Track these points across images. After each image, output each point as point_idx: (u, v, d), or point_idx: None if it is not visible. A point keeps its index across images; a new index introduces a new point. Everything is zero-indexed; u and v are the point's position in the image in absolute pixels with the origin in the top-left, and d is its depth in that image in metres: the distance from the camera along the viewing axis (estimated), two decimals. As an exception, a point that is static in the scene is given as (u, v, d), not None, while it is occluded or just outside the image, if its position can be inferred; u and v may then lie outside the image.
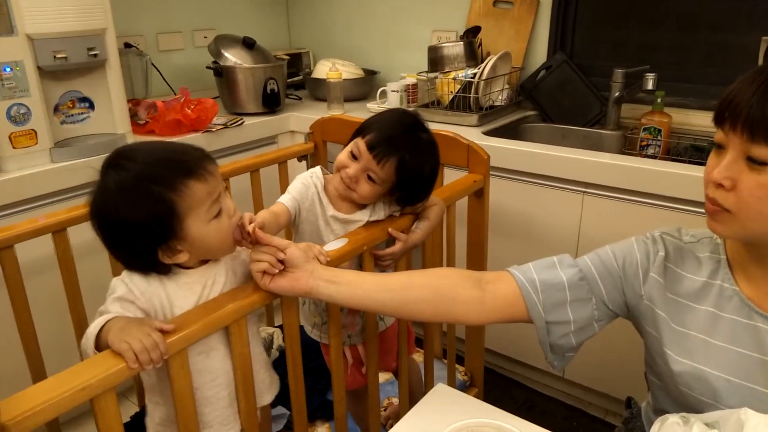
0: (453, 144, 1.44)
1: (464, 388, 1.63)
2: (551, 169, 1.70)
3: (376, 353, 1.20)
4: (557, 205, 1.73)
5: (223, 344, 0.93)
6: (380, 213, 1.18)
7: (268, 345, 1.62)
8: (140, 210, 0.80)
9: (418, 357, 1.61)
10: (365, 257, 1.12)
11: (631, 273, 0.89)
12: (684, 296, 0.85)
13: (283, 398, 1.44)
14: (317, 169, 1.19)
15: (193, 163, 0.83)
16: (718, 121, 0.75)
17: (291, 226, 1.20)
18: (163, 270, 0.88)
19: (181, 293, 0.89)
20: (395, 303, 0.94)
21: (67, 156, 1.68)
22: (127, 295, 0.86)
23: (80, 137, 1.78)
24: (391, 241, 1.16)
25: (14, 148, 1.59)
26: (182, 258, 0.86)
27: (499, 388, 2.04)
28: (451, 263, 1.54)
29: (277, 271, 0.91)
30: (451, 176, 1.47)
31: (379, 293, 0.93)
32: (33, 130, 1.63)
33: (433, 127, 1.15)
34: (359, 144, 1.09)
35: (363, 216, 1.17)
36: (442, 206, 1.26)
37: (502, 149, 1.76)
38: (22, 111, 1.59)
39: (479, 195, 1.44)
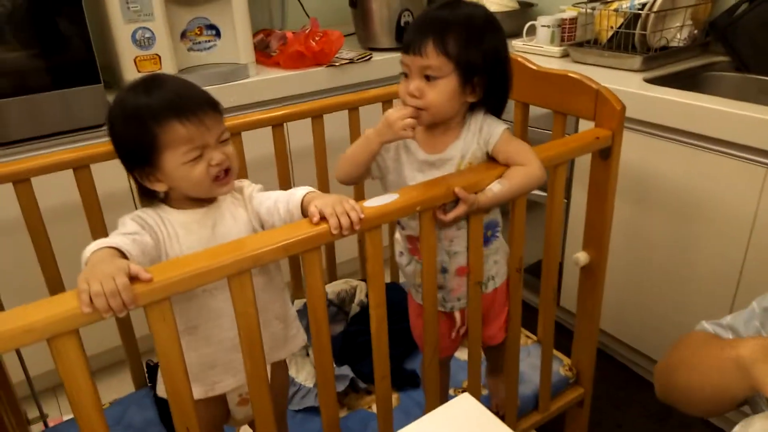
0: (577, 88, 1.14)
1: (564, 386, 1.36)
2: (731, 134, 1.31)
3: (480, 315, 1.10)
4: (729, 179, 1.34)
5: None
6: (472, 145, 1.00)
7: (349, 298, 1.51)
8: (128, 132, 0.86)
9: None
10: (423, 218, 0.93)
11: None
12: None
13: (350, 360, 1.34)
14: None
15: (185, 107, 0.84)
16: None
17: (380, 180, 1.09)
18: (160, 196, 0.91)
19: (183, 231, 0.89)
20: None
21: (187, 83, 1.69)
22: (137, 220, 0.87)
23: (204, 65, 1.78)
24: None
25: (139, 71, 1.63)
26: (159, 187, 0.88)
27: (616, 386, 1.68)
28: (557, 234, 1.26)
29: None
30: (574, 129, 1.18)
31: None
32: (157, 54, 1.65)
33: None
34: (401, 59, 0.98)
35: (454, 151, 1.00)
36: (536, 169, 0.97)
37: (668, 102, 1.40)
38: (146, 35, 1.61)
39: (605, 156, 1.14)
